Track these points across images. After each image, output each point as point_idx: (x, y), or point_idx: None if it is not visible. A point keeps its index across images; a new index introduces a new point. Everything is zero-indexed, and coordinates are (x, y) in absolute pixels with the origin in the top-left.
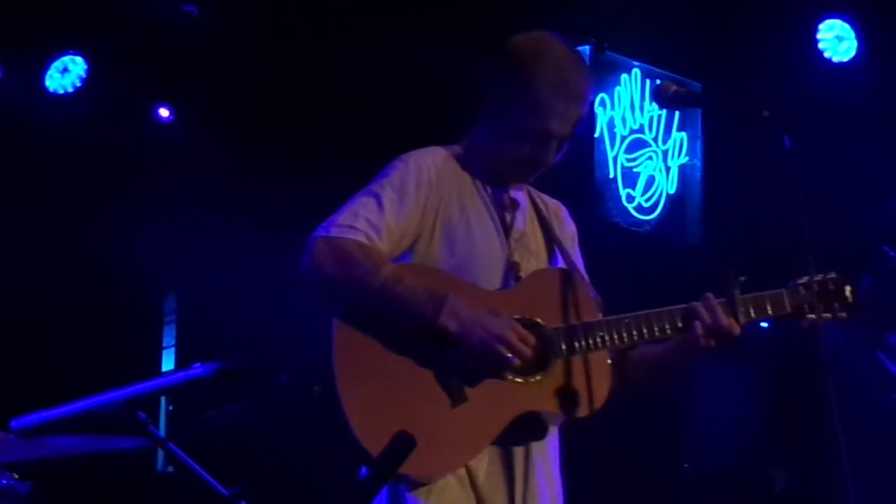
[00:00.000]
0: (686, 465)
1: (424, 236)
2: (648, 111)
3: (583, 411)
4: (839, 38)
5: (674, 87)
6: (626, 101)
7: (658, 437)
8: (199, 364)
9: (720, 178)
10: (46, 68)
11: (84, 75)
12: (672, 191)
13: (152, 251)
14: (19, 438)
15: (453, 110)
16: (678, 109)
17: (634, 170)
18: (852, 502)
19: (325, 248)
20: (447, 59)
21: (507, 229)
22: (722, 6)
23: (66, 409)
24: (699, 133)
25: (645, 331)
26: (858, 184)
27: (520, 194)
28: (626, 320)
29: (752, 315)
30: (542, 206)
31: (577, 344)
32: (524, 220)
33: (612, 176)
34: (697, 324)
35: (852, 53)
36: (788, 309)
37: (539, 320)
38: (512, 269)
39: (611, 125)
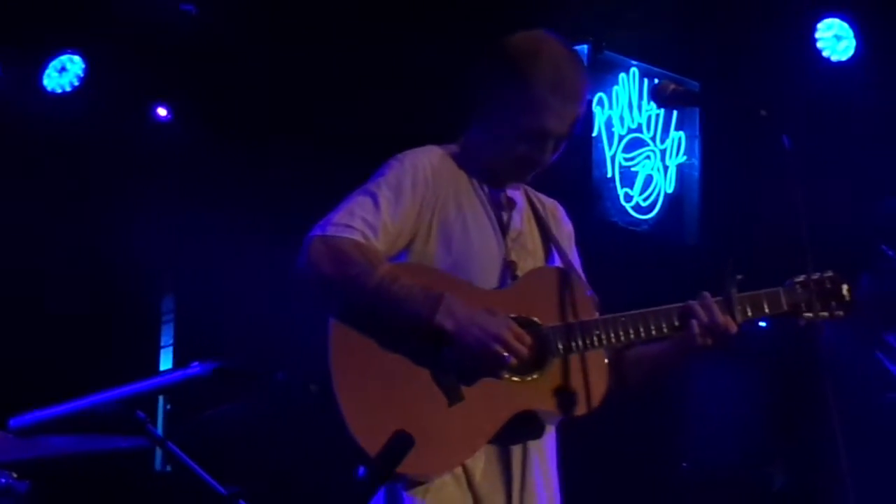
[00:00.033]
0: (684, 464)
1: (421, 235)
2: (646, 110)
3: (580, 410)
4: (838, 38)
5: (672, 87)
6: (624, 101)
7: (656, 436)
8: (197, 363)
9: (718, 178)
10: (44, 67)
11: (82, 74)
12: (670, 190)
13: (150, 250)
14: (18, 437)
15: (452, 110)
16: (676, 109)
17: (632, 169)
18: (851, 501)
19: (322, 247)
20: (446, 58)
21: (503, 228)
22: (720, 5)
23: (65, 408)
24: (697, 132)
25: (642, 330)
26: (857, 183)
27: (517, 193)
28: (623, 319)
29: (749, 314)
30: (538, 205)
31: (573, 343)
32: (521, 220)
33: (609, 175)
34: (694, 322)
35: (851, 53)
36: (785, 307)
37: (536, 319)
38: (509, 268)
39: (609, 124)
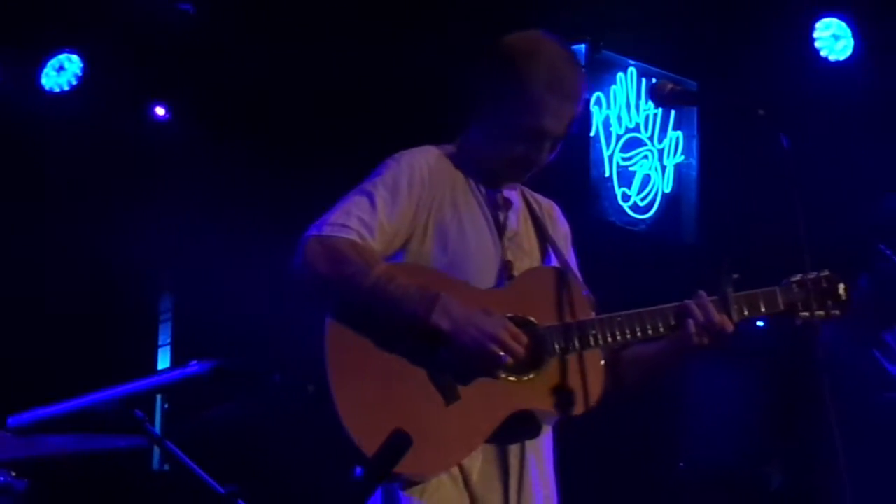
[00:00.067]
0: (681, 464)
1: (417, 235)
2: (644, 110)
3: (576, 410)
4: (835, 37)
5: (670, 86)
6: (621, 100)
7: (653, 436)
8: (195, 362)
9: (716, 177)
10: (42, 66)
11: (80, 73)
12: (668, 190)
13: (148, 249)
14: (16, 436)
15: (450, 109)
16: (674, 108)
17: (630, 169)
18: (848, 500)
19: (318, 247)
20: (444, 58)
21: (500, 228)
22: (718, 5)
23: (63, 407)
24: (695, 132)
25: (638, 329)
26: (855, 182)
27: (513, 194)
28: (619, 319)
29: (746, 313)
30: (535, 205)
31: (570, 343)
32: (517, 220)
33: (607, 175)
34: (690, 322)
35: (849, 52)
36: (782, 307)
37: (532, 319)
38: (505, 268)
39: (606, 124)
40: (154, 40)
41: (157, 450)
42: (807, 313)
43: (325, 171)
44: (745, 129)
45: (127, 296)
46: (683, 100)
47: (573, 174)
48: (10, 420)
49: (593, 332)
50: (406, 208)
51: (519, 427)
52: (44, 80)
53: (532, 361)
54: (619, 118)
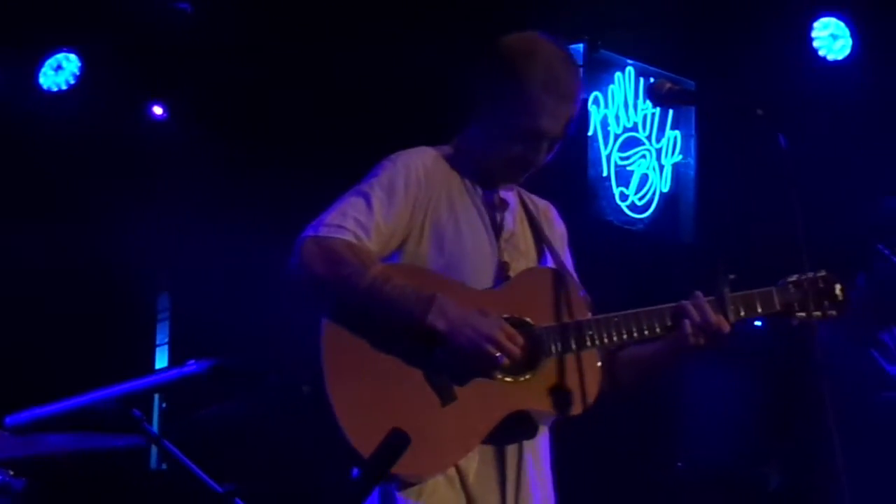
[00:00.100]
0: (679, 464)
1: (413, 236)
2: (642, 109)
3: (573, 410)
4: (834, 37)
5: (668, 85)
6: (619, 100)
7: (651, 436)
8: (193, 361)
9: (714, 177)
10: (40, 65)
11: (78, 73)
12: (665, 189)
13: (146, 248)
14: (14, 435)
15: (449, 109)
16: (672, 107)
17: (628, 168)
18: (846, 500)
19: (314, 247)
20: (442, 58)
21: (496, 229)
22: (716, 4)
23: (61, 406)
24: (693, 131)
25: (634, 330)
26: (853, 182)
27: (509, 194)
28: (616, 319)
29: (742, 313)
30: (531, 206)
31: (566, 343)
32: (514, 220)
33: (605, 174)
34: (687, 322)
35: (847, 52)
36: (778, 307)
37: (528, 319)
38: (501, 268)
39: (604, 123)
40: (152, 39)
41: (154, 449)
42: (803, 314)
43: (324, 171)
44: (744, 129)
45: (124, 295)
46: (681, 99)
47: (571, 174)
48: (7, 419)
49: (590, 332)
50: (402, 209)
51: (515, 428)
52: (41, 80)
53: (528, 362)
54: (617, 117)
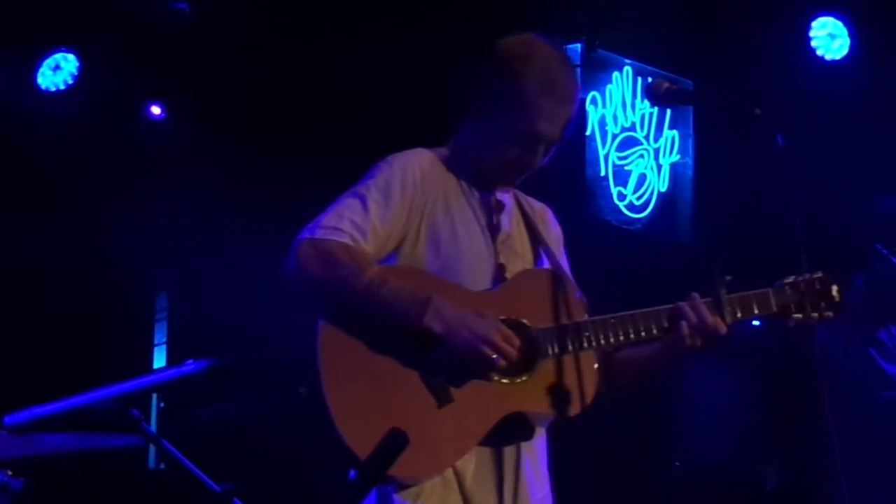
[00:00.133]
0: (677, 464)
1: (409, 238)
2: (640, 109)
3: (569, 412)
4: (832, 36)
5: (666, 85)
6: (617, 99)
7: (649, 436)
8: (191, 361)
9: (712, 177)
10: (38, 65)
11: (76, 73)
12: (663, 189)
13: (144, 248)
14: (12, 435)
15: (448, 110)
16: (670, 107)
17: (626, 168)
18: (845, 500)
19: (310, 249)
20: (440, 58)
21: (492, 231)
22: (714, 4)
23: (59, 406)
24: (691, 131)
25: (631, 331)
26: (851, 182)
27: (506, 196)
28: (613, 321)
29: (739, 315)
30: (527, 208)
31: (563, 345)
32: (510, 222)
33: (603, 174)
34: (683, 324)
35: (845, 51)
36: (775, 309)
37: (525, 321)
38: (498, 270)
39: (602, 123)
40: (150, 39)
41: (152, 448)
42: (800, 315)
43: (322, 171)
44: (741, 129)
45: (123, 295)
46: (679, 99)
47: (569, 173)
48: (6, 419)
49: (586, 334)
50: (398, 211)
51: (512, 429)
52: (40, 79)
53: (525, 363)
54: (615, 117)
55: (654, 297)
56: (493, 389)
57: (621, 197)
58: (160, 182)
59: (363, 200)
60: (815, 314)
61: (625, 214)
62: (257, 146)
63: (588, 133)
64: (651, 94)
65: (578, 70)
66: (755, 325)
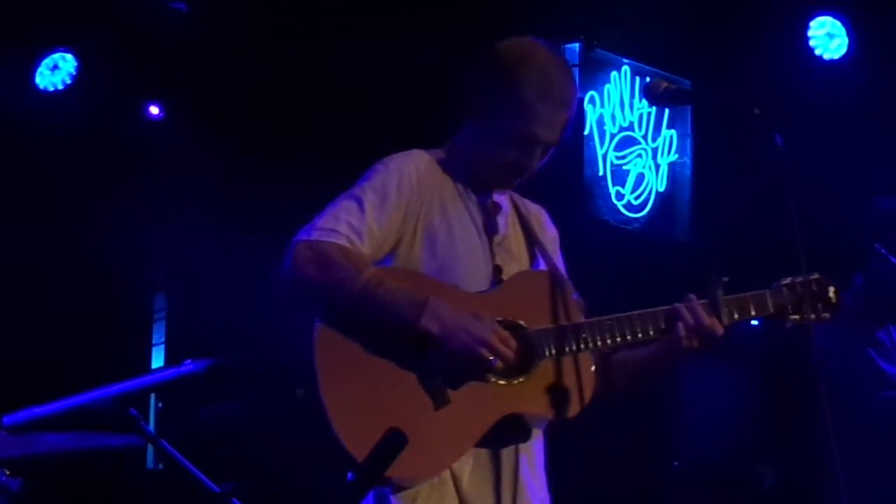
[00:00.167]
0: (676, 463)
1: (406, 240)
2: (638, 108)
3: (566, 413)
4: (830, 36)
5: (664, 85)
6: (615, 99)
7: (648, 435)
8: (189, 361)
9: (710, 176)
10: (37, 65)
11: (74, 72)
12: (661, 188)
13: (142, 248)
14: (11, 434)
15: (445, 111)
16: (668, 107)
17: (624, 167)
18: (843, 500)
19: (307, 251)
20: (439, 57)
21: (489, 233)
22: (713, 3)
23: (58, 406)
24: (689, 130)
25: (628, 333)
26: (850, 181)
27: (502, 198)
28: (609, 322)
29: (736, 316)
30: (523, 210)
31: (559, 346)
32: (506, 224)
33: (601, 174)
34: (680, 325)
35: (843, 51)
36: (772, 310)
37: (522, 323)
38: (494, 272)
39: (600, 123)
40: (148, 39)
41: (151, 448)
42: (797, 316)
43: (320, 171)
44: (740, 128)
45: (121, 295)
46: (677, 98)
47: (567, 173)
48: (5, 419)
49: (583, 335)
50: (395, 213)
51: (509, 431)
52: (38, 79)
53: (522, 365)
54: (613, 117)
55: (652, 297)
56: (489, 391)
57: (619, 196)
58: (158, 182)
59: (359, 202)
60: (812, 316)
61: (623, 214)
62: (255, 146)
63: (586, 133)
64: (649, 93)
65: (577, 70)
66: (754, 325)
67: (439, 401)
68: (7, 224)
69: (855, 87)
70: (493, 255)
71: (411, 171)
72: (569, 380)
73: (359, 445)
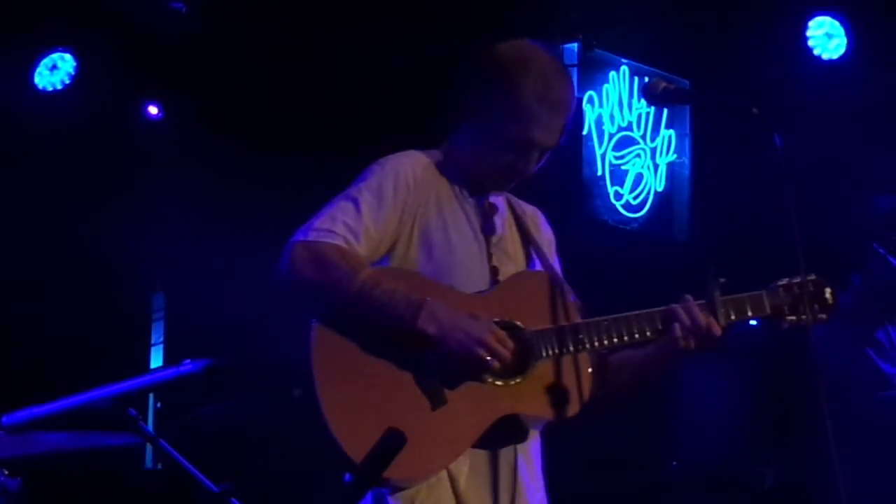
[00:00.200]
0: (675, 463)
1: (402, 241)
2: (637, 108)
3: (564, 414)
4: (829, 36)
5: (662, 85)
6: (614, 99)
7: (647, 435)
8: (188, 361)
9: (709, 176)
10: (36, 65)
11: (73, 72)
12: (660, 188)
13: (141, 248)
14: (10, 434)
15: (444, 112)
16: (666, 107)
17: (622, 167)
18: (842, 499)
19: (304, 252)
20: (438, 57)
21: (485, 234)
22: (711, 3)
23: (57, 405)
24: (687, 130)
25: (625, 333)
26: (848, 181)
27: (498, 199)
28: (606, 323)
29: (732, 317)
30: (519, 211)
31: (556, 347)
32: (502, 225)
33: (600, 174)
34: (677, 326)
35: (842, 51)
36: (769, 311)
37: (519, 323)
38: (491, 273)
39: (599, 123)
40: (147, 39)
41: (150, 448)
42: (794, 317)
43: (318, 171)
44: (738, 128)
45: (120, 294)
46: (676, 98)
47: (566, 173)
48: (4, 418)
49: (580, 336)
50: (391, 213)
51: (506, 431)
52: (37, 79)
53: (519, 366)
54: (612, 117)
55: (650, 297)
56: (487, 391)
57: (618, 196)
58: (157, 181)
59: (356, 203)
60: (809, 316)
61: (621, 214)
62: (254, 146)
63: (585, 132)
64: (648, 93)
65: (575, 69)
66: (752, 325)
67: (436, 401)
68: (6, 224)
69: (853, 87)
70: (489, 256)
71: (408, 171)
72: (566, 380)
73: (356, 445)
